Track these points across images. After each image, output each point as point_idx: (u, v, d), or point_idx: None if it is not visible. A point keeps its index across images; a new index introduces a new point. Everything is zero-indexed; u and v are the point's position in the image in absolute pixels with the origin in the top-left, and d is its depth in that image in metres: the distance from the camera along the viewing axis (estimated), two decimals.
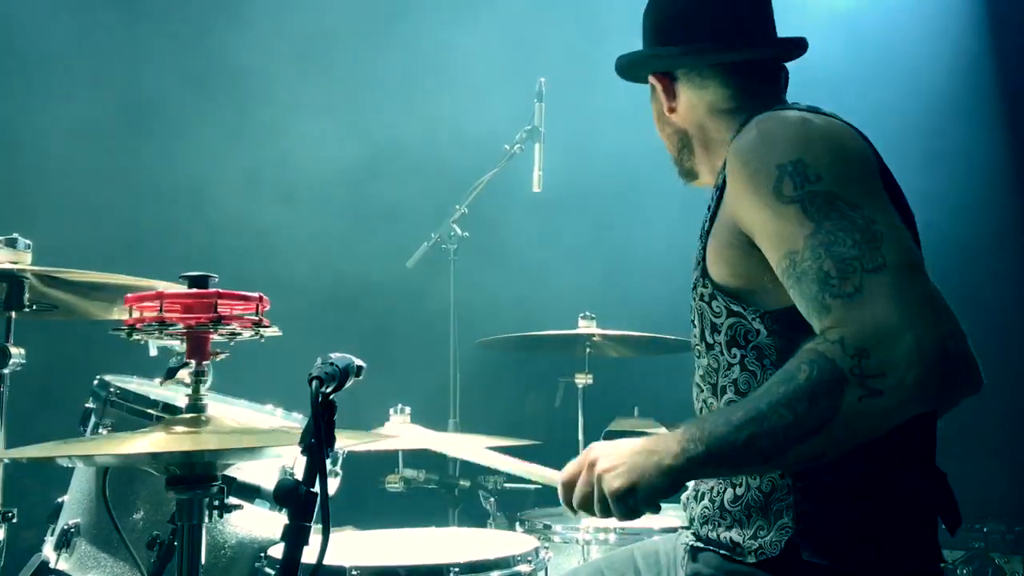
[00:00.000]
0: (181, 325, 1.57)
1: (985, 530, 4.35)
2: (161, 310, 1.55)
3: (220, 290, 1.59)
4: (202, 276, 1.60)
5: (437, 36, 5.56)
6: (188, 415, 1.61)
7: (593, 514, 1.54)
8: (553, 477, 1.73)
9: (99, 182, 4.75)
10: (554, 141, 4.21)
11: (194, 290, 1.59)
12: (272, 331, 1.64)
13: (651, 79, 1.89)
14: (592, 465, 1.53)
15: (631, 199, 5.23)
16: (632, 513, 1.49)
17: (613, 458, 1.50)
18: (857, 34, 5.44)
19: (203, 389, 1.62)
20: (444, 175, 4.99)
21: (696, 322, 1.75)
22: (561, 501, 1.61)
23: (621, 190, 5.34)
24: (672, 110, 1.87)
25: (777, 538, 1.58)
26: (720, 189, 1.69)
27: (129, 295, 1.60)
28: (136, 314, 1.57)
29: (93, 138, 4.78)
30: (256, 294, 1.63)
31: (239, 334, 1.61)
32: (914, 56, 5.39)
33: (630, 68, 1.94)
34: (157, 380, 2.52)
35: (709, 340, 1.71)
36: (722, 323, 1.67)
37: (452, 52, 5.48)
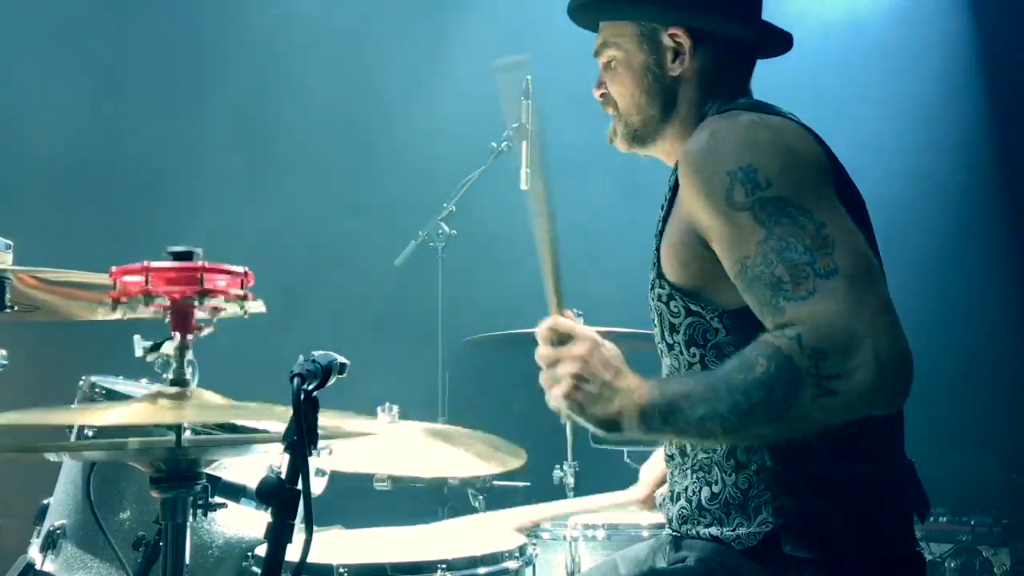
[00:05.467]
0: (166, 298, 1.56)
1: (972, 523, 4.37)
2: (147, 282, 1.54)
3: (205, 263, 1.58)
4: (187, 250, 1.59)
5: (426, 31, 5.55)
6: (172, 388, 1.60)
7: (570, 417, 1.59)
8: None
9: (80, 178, 4.72)
10: (541, 138, 4.21)
11: (179, 263, 1.58)
12: (257, 306, 1.63)
13: (671, 30, 1.78)
14: (573, 358, 1.55)
15: (618, 197, 5.24)
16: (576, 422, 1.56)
17: (593, 365, 1.53)
18: (849, 36, 5.46)
19: (187, 367, 1.61)
20: (432, 173, 4.99)
21: (656, 323, 1.76)
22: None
23: (608, 188, 5.35)
24: (675, 72, 1.79)
25: (756, 531, 1.61)
26: (672, 189, 1.70)
27: (114, 268, 1.59)
28: (120, 287, 1.56)
29: (72, 133, 4.75)
30: (241, 268, 1.63)
31: (223, 308, 1.60)
32: (904, 57, 5.41)
33: (634, 4, 1.82)
34: (143, 379, 2.53)
35: (668, 340, 1.72)
36: (680, 323, 1.68)
37: (441, 48, 5.48)
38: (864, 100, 5.28)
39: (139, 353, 1.95)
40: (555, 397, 1.56)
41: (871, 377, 1.33)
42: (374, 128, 5.36)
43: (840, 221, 1.48)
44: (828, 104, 4.86)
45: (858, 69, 5.36)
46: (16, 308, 2.14)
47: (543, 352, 1.60)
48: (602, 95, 1.89)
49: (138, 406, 1.58)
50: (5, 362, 2.15)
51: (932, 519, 4.41)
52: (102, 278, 2.07)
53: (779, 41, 1.87)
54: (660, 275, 1.71)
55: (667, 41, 1.79)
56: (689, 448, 1.72)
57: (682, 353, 1.70)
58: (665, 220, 1.72)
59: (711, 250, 1.58)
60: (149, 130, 5.01)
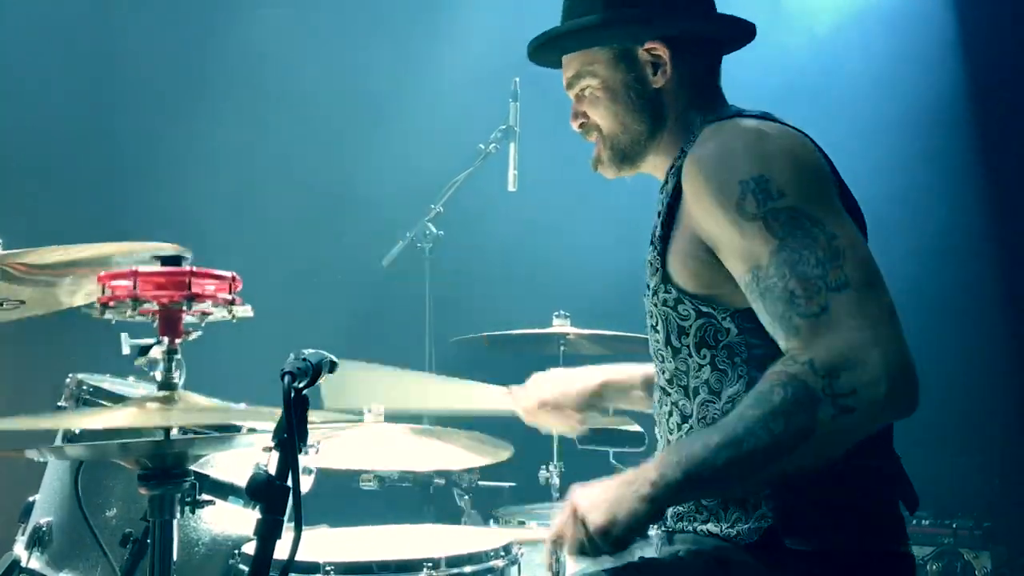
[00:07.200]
0: (154, 303, 1.56)
1: (954, 526, 4.40)
2: (135, 287, 1.55)
3: (194, 268, 1.59)
4: (175, 255, 1.60)
5: (414, 33, 5.56)
6: (160, 392, 1.61)
7: (591, 557, 1.54)
8: (543, 536, 1.70)
9: (68, 169, 4.71)
10: (529, 140, 4.23)
11: (167, 268, 1.58)
12: (244, 311, 1.64)
13: (648, 45, 1.78)
14: (574, 511, 1.52)
15: (606, 198, 5.26)
16: (620, 545, 1.49)
17: (592, 498, 1.50)
18: (838, 42, 5.50)
19: (175, 370, 1.62)
20: (419, 174, 5.00)
21: (659, 328, 1.74)
22: (556, 549, 1.60)
23: (596, 189, 5.36)
24: (658, 84, 1.79)
25: (756, 526, 1.61)
26: (672, 196, 1.70)
27: (102, 272, 1.60)
28: (109, 292, 1.57)
29: (61, 136, 4.74)
30: (229, 273, 1.63)
31: (211, 313, 1.60)
32: (891, 65, 5.45)
33: (604, 29, 1.79)
34: (130, 378, 2.53)
35: (675, 344, 1.71)
36: (690, 325, 1.68)
37: (429, 50, 5.49)
38: (853, 105, 5.31)
39: (126, 351, 1.95)
40: (589, 545, 1.49)
41: (884, 388, 1.36)
42: (361, 129, 5.36)
43: (848, 231, 1.51)
44: (817, 107, 4.89)
45: (846, 74, 5.39)
46: (3, 305, 2.14)
47: (554, 530, 1.57)
48: (581, 124, 1.89)
49: (126, 410, 1.59)
50: None
51: (915, 522, 4.45)
52: (86, 249, 2.06)
53: (742, 32, 1.88)
54: (666, 280, 1.69)
55: (644, 56, 1.79)
56: None
57: (691, 355, 1.69)
58: (668, 226, 1.71)
59: (718, 258, 1.60)
60: (137, 126, 4.99)
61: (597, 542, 1.48)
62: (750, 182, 1.53)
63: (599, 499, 1.49)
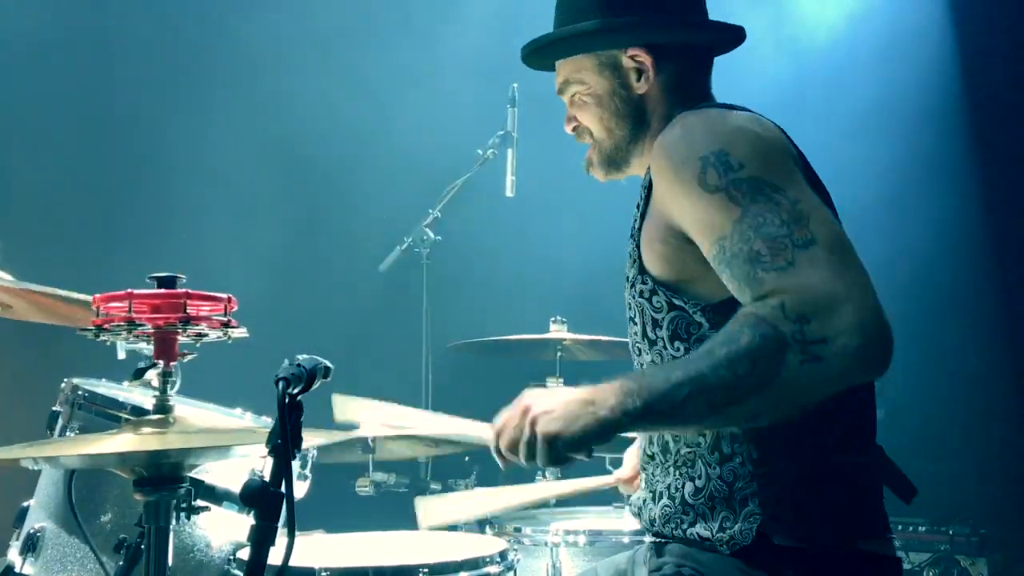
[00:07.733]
0: (150, 325, 1.56)
1: (951, 532, 4.40)
2: (130, 310, 1.54)
3: (189, 290, 1.58)
4: (170, 276, 1.60)
5: (412, 39, 5.56)
6: (155, 416, 1.61)
7: (518, 458, 1.51)
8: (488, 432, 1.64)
9: (63, 186, 4.71)
10: (527, 146, 4.23)
11: (163, 290, 1.58)
12: (239, 332, 1.64)
13: (631, 52, 1.80)
14: (526, 410, 1.49)
15: (602, 204, 5.25)
16: (558, 459, 1.46)
17: (548, 403, 1.48)
18: (837, 49, 5.51)
19: (170, 391, 1.62)
20: (417, 179, 5.00)
21: (636, 319, 1.75)
22: (491, 448, 1.57)
23: (594, 195, 5.36)
24: (642, 90, 1.81)
25: (747, 526, 1.60)
26: (648, 188, 1.72)
27: (97, 295, 1.59)
28: (104, 314, 1.57)
29: (57, 142, 4.74)
30: (225, 295, 1.63)
31: (206, 335, 1.60)
32: (889, 68, 5.46)
33: (589, 36, 1.81)
34: (125, 383, 2.52)
35: (651, 336, 1.72)
36: (663, 318, 1.69)
37: (427, 55, 5.49)
38: (852, 107, 5.32)
39: (122, 356, 1.95)
40: (527, 446, 1.47)
41: (856, 341, 1.33)
42: (359, 133, 5.36)
43: (811, 198, 1.51)
44: (808, 110, 4.90)
45: (838, 76, 5.40)
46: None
47: (498, 423, 1.55)
48: (574, 128, 1.92)
49: (121, 436, 1.58)
50: None
51: (911, 528, 4.44)
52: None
53: (732, 36, 1.89)
54: (642, 271, 1.71)
55: (628, 63, 1.82)
56: (672, 444, 1.72)
57: (666, 348, 1.70)
58: (643, 217, 1.73)
59: (691, 243, 1.60)
60: (133, 129, 4.99)
61: (538, 447, 1.45)
62: (710, 156, 1.54)
63: (553, 407, 1.46)
